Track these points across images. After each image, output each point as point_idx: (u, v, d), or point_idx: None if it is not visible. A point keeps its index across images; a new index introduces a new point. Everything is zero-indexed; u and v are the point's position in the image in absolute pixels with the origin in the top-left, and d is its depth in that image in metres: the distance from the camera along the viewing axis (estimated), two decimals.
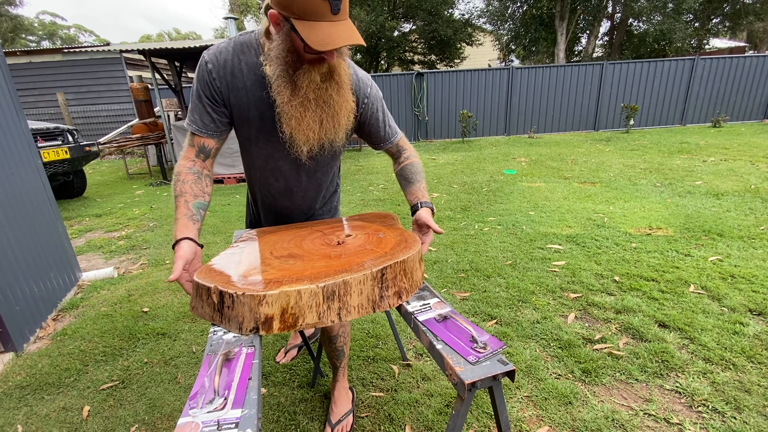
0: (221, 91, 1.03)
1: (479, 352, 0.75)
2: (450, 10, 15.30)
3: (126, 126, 8.73)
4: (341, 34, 0.85)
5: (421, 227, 1.13)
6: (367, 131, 1.18)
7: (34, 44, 29.80)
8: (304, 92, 0.95)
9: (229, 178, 5.97)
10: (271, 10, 0.86)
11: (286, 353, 1.84)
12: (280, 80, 0.94)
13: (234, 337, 0.79)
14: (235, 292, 0.77)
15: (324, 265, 0.87)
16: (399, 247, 0.96)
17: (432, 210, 1.14)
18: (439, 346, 0.77)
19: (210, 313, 0.83)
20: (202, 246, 1.02)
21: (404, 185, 1.22)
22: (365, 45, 0.93)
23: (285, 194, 1.24)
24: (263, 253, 1.00)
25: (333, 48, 0.84)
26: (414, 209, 1.15)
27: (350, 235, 1.08)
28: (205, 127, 1.07)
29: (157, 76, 6.46)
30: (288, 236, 1.12)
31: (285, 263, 0.91)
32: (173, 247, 0.95)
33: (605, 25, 15.78)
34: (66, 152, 4.74)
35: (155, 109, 8.01)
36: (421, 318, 0.87)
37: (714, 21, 14.84)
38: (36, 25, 31.35)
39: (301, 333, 1.65)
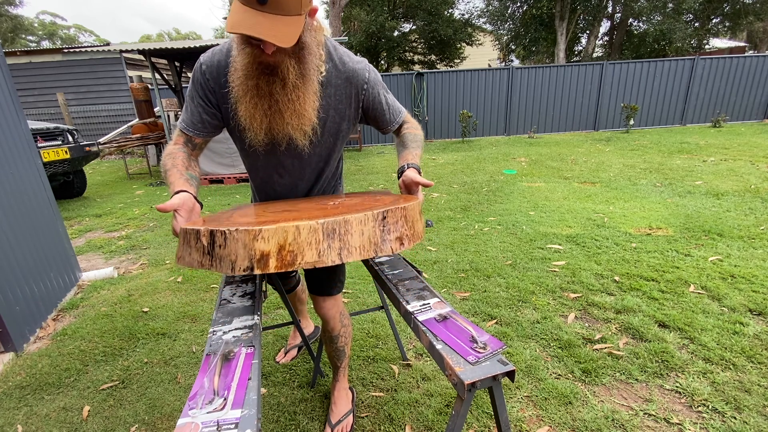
0: (215, 92, 1.04)
1: (479, 352, 0.75)
2: (450, 10, 15.33)
3: (126, 126, 8.74)
4: (256, 24, 0.80)
5: (409, 187, 1.07)
6: (372, 116, 1.16)
7: (34, 44, 29.81)
8: (242, 74, 0.93)
9: (229, 178, 5.97)
10: None
11: (286, 353, 1.84)
12: (234, 61, 0.94)
13: (234, 337, 0.79)
14: (228, 229, 0.73)
15: (322, 214, 0.84)
16: (398, 202, 0.93)
17: (418, 170, 1.09)
18: (439, 346, 0.77)
19: (198, 258, 0.78)
20: (201, 204, 0.99)
21: (399, 151, 1.20)
22: (285, 47, 0.83)
23: (290, 190, 1.23)
24: (256, 209, 0.99)
25: (236, 32, 0.80)
26: (400, 171, 1.10)
27: (345, 199, 1.07)
28: (194, 126, 1.08)
29: (157, 76, 6.46)
30: (281, 204, 1.11)
31: (280, 215, 0.87)
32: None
33: (605, 25, 15.79)
34: (66, 152, 4.74)
35: (155, 109, 8.01)
36: (421, 318, 0.87)
37: (714, 21, 14.84)
38: (36, 25, 31.37)
39: (301, 333, 1.65)
